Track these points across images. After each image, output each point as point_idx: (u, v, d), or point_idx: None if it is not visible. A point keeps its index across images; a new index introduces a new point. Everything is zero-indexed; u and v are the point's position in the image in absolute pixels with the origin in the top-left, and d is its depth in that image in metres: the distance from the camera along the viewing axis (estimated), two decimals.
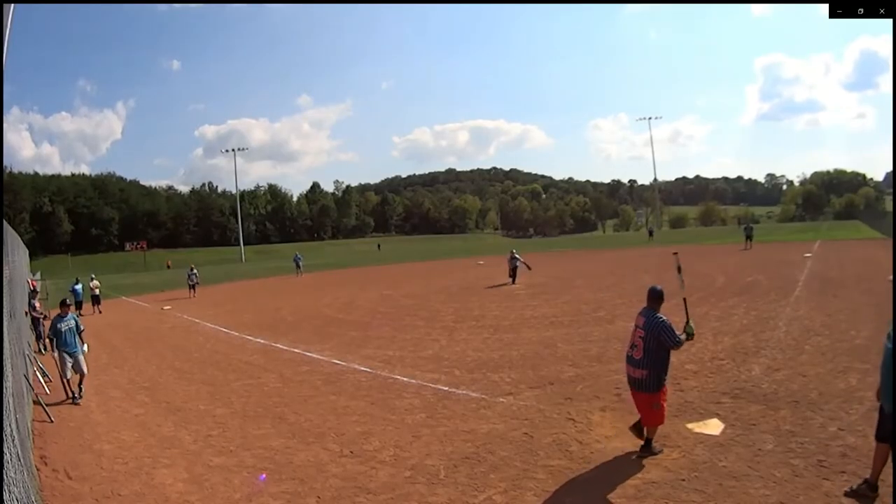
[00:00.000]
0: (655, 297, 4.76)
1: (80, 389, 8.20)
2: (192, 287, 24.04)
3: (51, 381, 9.48)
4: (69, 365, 8.06)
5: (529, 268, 21.52)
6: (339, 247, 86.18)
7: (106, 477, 5.29)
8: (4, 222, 6.00)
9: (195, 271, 24.77)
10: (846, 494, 3.98)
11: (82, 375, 8.22)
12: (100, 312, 19.26)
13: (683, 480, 4.36)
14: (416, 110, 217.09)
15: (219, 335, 13.52)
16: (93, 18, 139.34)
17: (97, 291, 20.24)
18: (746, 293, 13.74)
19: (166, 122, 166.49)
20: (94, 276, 21.43)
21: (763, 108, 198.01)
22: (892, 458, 3.86)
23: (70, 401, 7.96)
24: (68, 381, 8.08)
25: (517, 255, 21.67)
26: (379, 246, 77.06)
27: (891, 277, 4.08)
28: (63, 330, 8.02)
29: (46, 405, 7.45)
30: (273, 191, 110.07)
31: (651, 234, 52.58)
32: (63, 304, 8.45)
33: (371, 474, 4.95)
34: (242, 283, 31.59)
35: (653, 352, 4.59)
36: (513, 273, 21.16)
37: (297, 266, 33.22)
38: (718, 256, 26.33)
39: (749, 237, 29.51)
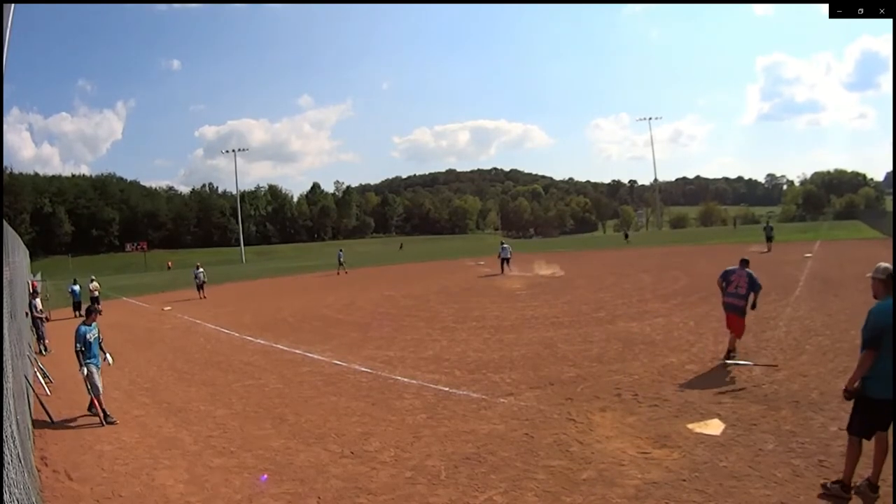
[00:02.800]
0: (746, 262, 8.06)
1: (91, 407, 7.30)
2: (200, 287, 23.68)
3: (51, 381, 9.50)
4: (98, 381, 7.10)
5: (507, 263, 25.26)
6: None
7: (106, 478, 5.30)
8: (5, 223, 6.00)
9: (201, 270, 24.29)
10: (820, 496, 3.97)
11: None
12: (99, 314, 19.09)
13: (684, 480, 4.36)
14: (416, 110, 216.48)
15: (219, 336, 13.52)
16: (93, 18, 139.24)
17: (97, 293, 20.14)
18: None
19: (166, 123, 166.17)
20: (93, 277, 21.33)
21: (764, 107, 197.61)
22: (893, 456, 3.86)
23: (104, 422, 6.97)
24: (99, 399, 7.12)
25: (507, 246, 26.30)
26: (402, 245, 76.32)
27: (869, 274, 4.17)
28: (91, 340, 7.20)
29: (47, 406, 7.47)
30: (273, 191, 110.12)
31: (626, 236, 51.24)
32: (90, 312, 7.53)
33: (372, 475, 4.95)
34: (243, 284, 31.59)
35: (748, 290, 7.77)
36: (505, 262, 25.26)
37: (340, 262, 33.07)
38: (722, 257, 26.28)
39: (770, 238, 27.44)
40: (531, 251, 39.40)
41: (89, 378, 7.07)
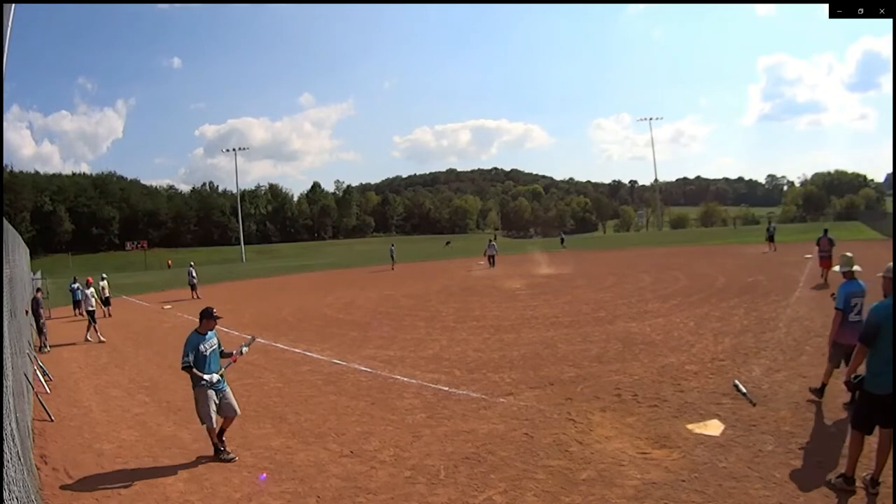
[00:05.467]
0: (826, 230, 15.65)
1: (223, 442, 5.64)
2: (193, 288, 23.55)
3: (51, 380, 9.50)
4: (213, 406, 5.54)
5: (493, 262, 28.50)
6: (339, 247, 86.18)
7: (106, 476, 5.30)
8: (5, 221, 6.00)
9: (192, 270, 24.03)
10: (826, 485, 4.10)
11: (232, 418, 5.73)
12: (109, 315, 18.31)
13: (683, 481, 4.37)
14: (417, 110, 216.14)
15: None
16: (93, 16, 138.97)
17: (107, 293, 19.25)
18: (747, 294, 13.74)
19: (167, 121, 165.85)
20: (104, 275, 20.27)
21: (765, 108, 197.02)
22: (893, 453, 3.86)
23: (218, 457, 5.55)
24: (211, 428, 5.58)
25: (494, 244, 29.82)
26: (448, 243, 74.44)
27: (880, 274, 4.34)
28: (207, 353, 5.61)
29: (46, 404, 7.47)
30: (274, 190, 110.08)
31: (562, 241, 50.42)
32: (207, 316, 5.78)
33: (371, 474, 4.95)
34: (243, 283, 31.59)
35: (829, 246, 15.13)
36: (490, 260, 28.53)
37: (392, 257, 33.58)
38: (723, 258, 26.28)
39: (771, 238, 27.69)
40: (530, 251, 39.38)
41: (199, 401, 5.54)
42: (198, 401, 5.56)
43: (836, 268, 6.21)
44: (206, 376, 5.52)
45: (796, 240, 34.45)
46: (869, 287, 5.52)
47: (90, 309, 14.05)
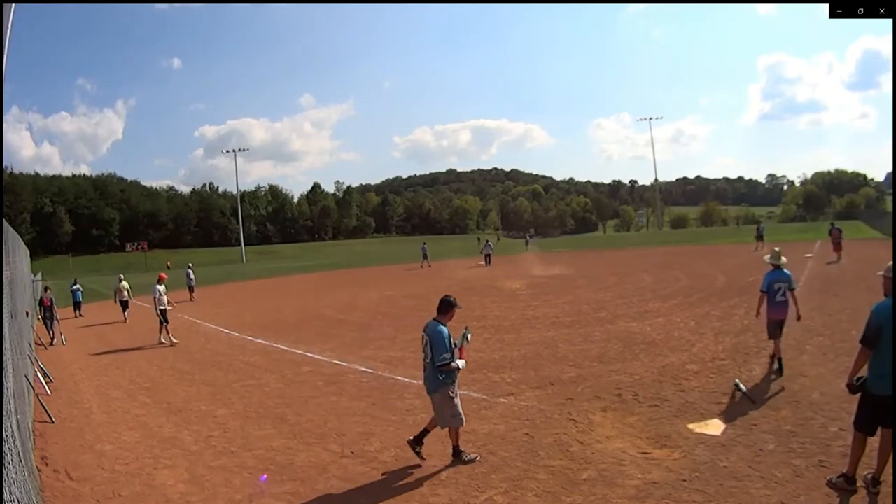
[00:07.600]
0: (832, 223, 23.96)
1: (457, 447, 5.09)
2: (191, 290, 23.36)
3: (52, 381, 9.49)
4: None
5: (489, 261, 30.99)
6: (340, 247, 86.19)
7: (107, 477, 5.30)
8: (5, 223, 6.00)
9: (190, 272, 23.63)
10: (827, 484, 4.09)
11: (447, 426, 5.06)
12: (126, 320, 17.25)
13: (684, 481, 4.36)
14: (417, 110, 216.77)
15: (220, 336, 13.52)
16: (93, 16, 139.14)
17: (126, 295, 17.47)
18: (748, 293, 13.71)
19: (167, 122, 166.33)
20: (122, 276, 18.51)
21: (765, 107, 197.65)
22: (893, 452, 3.86)
23: (461, 459, 5.05)
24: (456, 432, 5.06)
25: (490, 244, 33.43)
26: (479, 239, 73.30)
27: (880, 273, 4.32)
28: (452, 346, 5.01)
29: (47, 405, 7.46)
30: (274, 191, 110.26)
31: (527, 243, 49.83)
32: (453, 305, 5.23)
33: (372, 475, 4.95)
34: (243, 284, 31.59)
35: (838, 237, 20.92)
36: (486, 259, 31.09)
37: (425, 256, 33.44)
38: (723, 257, 26.28)
39: (760, 237, 28.87)
40: (528, 252, 39.40)
41: (449, 401, 4.95)
42: (444, 401, 4.93)
43: (767, 258, 7.57)
44: (460, 362, 5.04)
45: (797, 239, 34.44)
46: (871, 285, 5.49)
47: (166, 308, 12.81)
